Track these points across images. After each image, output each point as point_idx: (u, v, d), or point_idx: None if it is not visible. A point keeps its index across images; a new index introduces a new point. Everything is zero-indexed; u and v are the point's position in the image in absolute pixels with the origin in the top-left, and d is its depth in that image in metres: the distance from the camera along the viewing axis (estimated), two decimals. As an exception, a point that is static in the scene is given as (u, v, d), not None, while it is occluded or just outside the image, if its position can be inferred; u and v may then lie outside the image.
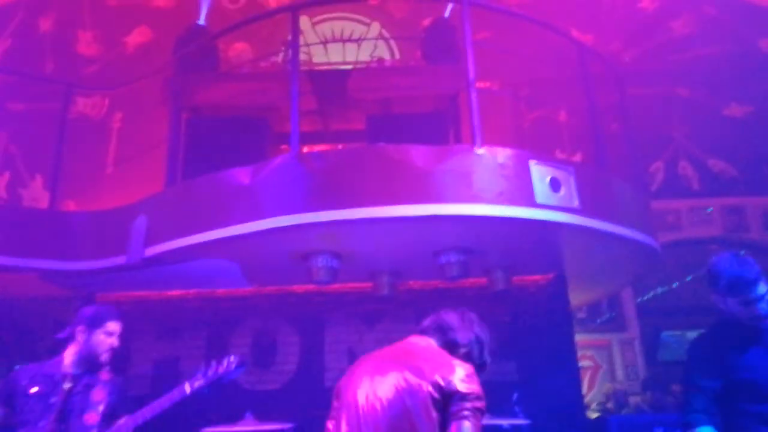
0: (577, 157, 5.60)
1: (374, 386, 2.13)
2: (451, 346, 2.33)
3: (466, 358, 2.31)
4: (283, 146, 5.04)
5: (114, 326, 3.01)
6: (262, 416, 3.70)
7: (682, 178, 8.40)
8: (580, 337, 6.87)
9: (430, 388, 2.06)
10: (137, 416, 2.89)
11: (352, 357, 5.51)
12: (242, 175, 4.13)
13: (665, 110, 8.46)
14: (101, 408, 2.89)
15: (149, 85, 5.82)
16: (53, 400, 2.85)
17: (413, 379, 2.09)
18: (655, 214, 5.64)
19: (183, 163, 4.97)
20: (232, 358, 2.95)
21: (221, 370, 2.90)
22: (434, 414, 2.02)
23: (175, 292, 5.56)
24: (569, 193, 4.18)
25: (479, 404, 2.08)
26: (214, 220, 4.07)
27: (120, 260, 4.45)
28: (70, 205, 6.21)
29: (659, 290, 9.44)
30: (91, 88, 7.80)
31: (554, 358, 5.33)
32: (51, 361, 3.01)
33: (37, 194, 6.53)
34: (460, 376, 2.10)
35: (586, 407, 6.77)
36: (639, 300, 9.19)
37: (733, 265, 2.68)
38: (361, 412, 2.11)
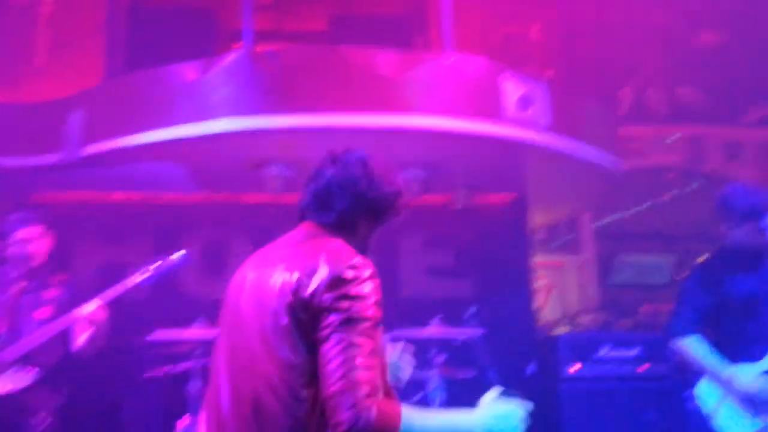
0: (549, 74, 5.39)
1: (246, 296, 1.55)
2: (324, 222, 1.61)
3: (342, 229, 1.60)
4: (234, 45, 4.65)
5: (24, 234, 2.97)
6: (214, 323, 3.59)
7: (650, 104, 8.32)
8: (536, 258, 6.92)
9: (282, 300, 1.42)
10: (89, 305, 2.84)
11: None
12: (189, 70, 3.81)
13: (637, 36, 8.25)
14: (52, 306, 2.96)
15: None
16: (3, 298, 2.96)
17: (268, 288, 1.48)
18: (619, 140, 5.56)
19: (123, 55, 4.56)
20: (181, 252, 2.93)
21: (168, 262, 2.88)
22: (291, 338, 1.40)
23: (119, 195, 5.27)
24: (539, 110, 4.00)
25: (357, 310, 1.37)
26: (158, 119, 3.79)
27: (55, 158, 4.13)
28: (-2, 99, 5.72)
29: (616, 215, 9.59)
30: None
31: (510, 278, 5.38)
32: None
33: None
34: (323, 276, 1.40)
35: (538, 325, 6.94)
36: (596, 224, 9.33)
37: (747, 194, 2.79)
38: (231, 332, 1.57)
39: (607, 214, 9.51)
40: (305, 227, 1.66)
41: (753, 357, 2.65)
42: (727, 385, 2.64)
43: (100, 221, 5.27)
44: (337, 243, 1.54)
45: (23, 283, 3.01)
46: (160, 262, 2.87)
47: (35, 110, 4.50)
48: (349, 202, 1.59)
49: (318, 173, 1.65)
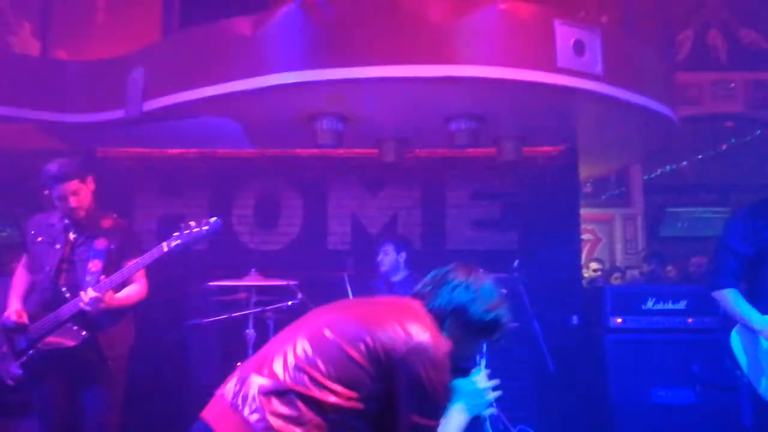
0: (603, 20, 5.20)
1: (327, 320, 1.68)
2: (428, 307, 1.75)
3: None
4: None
5: (64, 189, 2.88)
6: (267, 274, 3.74)
7: (711, 48, 7.93)
8: (584, 211, 6.86)
9: (358, 345, 1.55)
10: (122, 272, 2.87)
11: (355, 222, 5.53)
12: (243, 25, 3.84)
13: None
14: (103, 256, 2.93)
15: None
16: (57, 247, 2.95)
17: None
18: (676, 87, 5.38)
19: (179, 11, 4.62)
20: (212, 219, 2.86)
21: (197, 230, 2.82)
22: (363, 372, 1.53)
23: (177, 150, 5.44)
24: (593, 57, 3.90)
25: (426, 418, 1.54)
26: (214, 75, 3.85)
27: (118, 114, 4.29)
28: (62, 55, 5.91)
29: (667, 168, 9.33)
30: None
31: (557, 231, 5.35)
32: (55, 211, 3.03)
33: (26, 43, 6.17)
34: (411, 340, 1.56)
35: (585, 277, 6.93)
36: (646, 177, 9.11)
37: None
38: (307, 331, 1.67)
39: (659, 166, 9.27)
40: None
41: None
42: (759, 335, 2.66)
43: (159, 175, 5.48)
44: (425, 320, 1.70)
45: (73, 236, 2.98)
46: (188, 230, 2.81)
47: (97, 67, 4.62)
48: (453, 321, 1.73)
49: (443, 279, 1.79)
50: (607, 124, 4.68)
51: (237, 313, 3.71)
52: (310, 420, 1.50)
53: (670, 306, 4.21)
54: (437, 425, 1.59)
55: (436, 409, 1.59)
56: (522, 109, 4.26)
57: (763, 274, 2.73)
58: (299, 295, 3.76)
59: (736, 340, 2.77)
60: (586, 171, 6.07)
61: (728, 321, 3.26)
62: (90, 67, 4.69)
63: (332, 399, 1.51)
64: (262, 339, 3.66)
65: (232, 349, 3.91)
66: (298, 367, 1.55)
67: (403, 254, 4.14)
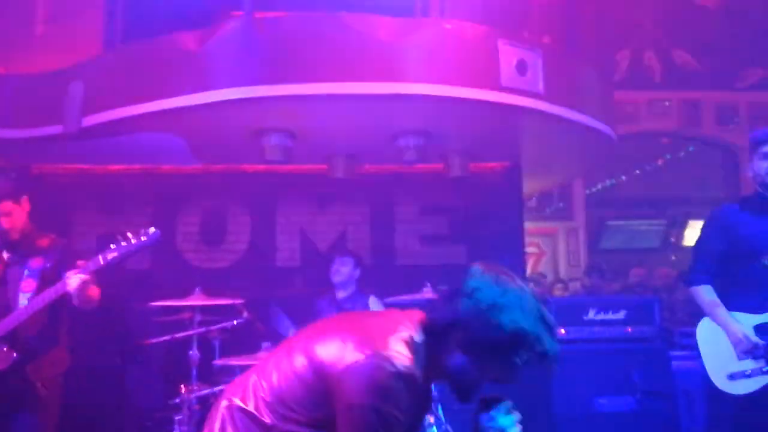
0: (546, 40, 5.39)
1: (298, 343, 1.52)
2: (429, 318, 1.51)
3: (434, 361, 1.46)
4: (234, 12, 4.62)
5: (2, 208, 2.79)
6: (212, 293, 3.66)
7: (646, 68, 8.31)
8: (529, 225, 7.04)
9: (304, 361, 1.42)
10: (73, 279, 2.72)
11: (304, 238, 5.49)
12: (188, 40, 3.79)
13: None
14: (38, 275, 2.83)
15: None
16: None
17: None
18: (615, 105, 5.61)
19: (122, 25, 4.52)
20: (151, 230, 2.74)
21: (135, 242, 2.72)
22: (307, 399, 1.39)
23: (118, 167, 5.29)
24: (535, 76, 4.04)
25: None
26: (158, 90, 3.78)
27: (55, 129, 4.13)
28: (-2, 69, 5.67)
29: (608, 182, 9.70)
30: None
31: (503, 244, 5.47)
32: None
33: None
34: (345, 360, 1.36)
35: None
36: (588, 191, 9.43)
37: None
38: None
39: (599, 181, 9.62)
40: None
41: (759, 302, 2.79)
42: (724, 332, 2.80)
43: (99, 192, 5.30)
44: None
45: (6, 255, 2.87)
46: (126, 243, 2.70)
47: (35, 81, 4.45)
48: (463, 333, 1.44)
49: (462, 283, 1.47)
50: (549, 140, 4.84)
51: (180, 334, 3.61)
52: None
53: (610, 316, 4.35)
54: None
55: None
56: (468, 126, 4.35)
57: (735, 271, 2.88)
58: (245, 314, 3.69)
59: (701, 331, 2.92)
60: (530, 186, 6.24)
61: (666, 331, 3.40)
62: (27, 80, 4.51)
63: (282, 425, 1.41)
64: (206, 360, 3.59)
65: (176, 371, 3.80)
66: (257, 390, 1.47)
67: (358, 271, 4.17)
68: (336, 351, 1.39)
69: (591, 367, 4.21)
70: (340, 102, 3.75)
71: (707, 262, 2.93)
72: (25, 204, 2.90)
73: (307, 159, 4.98)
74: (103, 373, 4.55)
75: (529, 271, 7.67)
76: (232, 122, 4.09)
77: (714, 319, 2.86)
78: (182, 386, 3.37)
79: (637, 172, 9.37)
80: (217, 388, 3.40)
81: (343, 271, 4.12)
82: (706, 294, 2.90)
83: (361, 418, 1.33)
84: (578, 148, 5.10)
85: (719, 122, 8.13)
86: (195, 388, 3.37)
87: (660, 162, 9.28)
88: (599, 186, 9.60)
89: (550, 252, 9.06)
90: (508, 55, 3.92)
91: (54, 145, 4.44)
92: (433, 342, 1.45)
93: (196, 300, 3.53)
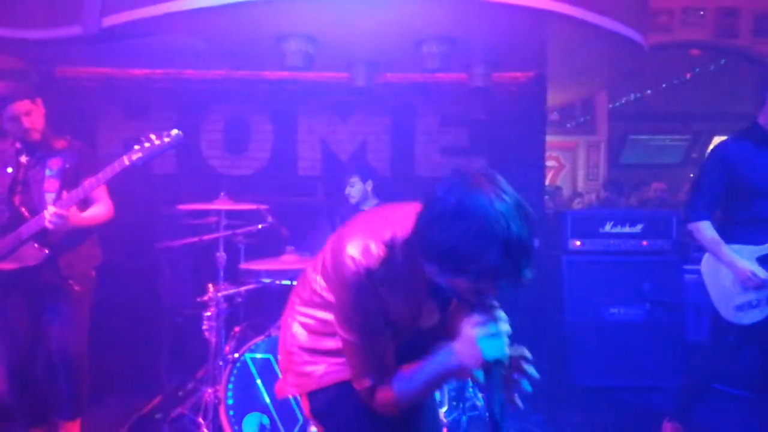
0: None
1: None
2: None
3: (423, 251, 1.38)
4: None
5: (16, 108, 2.80)
6: (236, 198, 3.74)
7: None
8: (550, 139, 6.97)
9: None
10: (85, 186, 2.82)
11: (325, 148, 5.52)
12: (207, -63, 3.64)
13: None
14: (59, 175, 2.89)
15: None
16: (9, 171, 2.89)
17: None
18: (648, 13, 5.37)
19: None
20: (174, 131, 2.78)
21: (158, 143, 2.76)
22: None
23: (142, 71, 5.27)
24: (566, -20, 3.85)
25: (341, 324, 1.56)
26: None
27: (75, 30, 4.09)
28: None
29: (632, 96, 9.45)
30: None
31: (523, 157, 5.45)
32: (6, 138, 2.96)
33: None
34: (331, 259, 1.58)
35: (548, 202, 7.12)
36: (611, 105, 9.22)
37: None
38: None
39: (624, 95, 9.36)
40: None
41: (762, 235, 2.85)
42: (730, 270, 2.88)
43: (124, 97, 5.32)
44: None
45: (25, 159, 2.91)
46: (149, 144, 2.74)
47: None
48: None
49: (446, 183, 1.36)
50: (576, 49, 4.69)
51: (207, 236, 3.72)
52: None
53: (627, 229, 4.40)
54: (360, 340, 1.53)
55: (350, 324, 1.51)
56: (493, 33, 4.23)
57: (734, 205, 2.93)
58: (269, 219, 3.77)
59: (705, 266, 3.01)
60: (553, 98, 6.12)
61: (683, 245, 3.46)
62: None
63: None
64: (232, 262, 3.73)
65: (204, 272, 3.96)
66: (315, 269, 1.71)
67: (370, 182, 4.11)
68: (331, 248, 1.59)
69: (605, 278, 4.32)
70: (358, 6, 3.64)
71: (706, 197, 2.95)
72: (41, 106, 2.92)
73: (328, 66, 4.91)
74: (134, 271, 4.71)
75: (547, 184, 7.68)
76: (253, 25, 4.01)
77: (718, 257, 2.92)
78: (210, 285, 3.51)
79: (664, 86, 9.09)
80: (243, 288, 3.56)
81: (353, 192, 4.10)
82: (706, 230, 2.94)
83: (341, 313, 1.55)
84: (605, 56, 4.94)
85: (756, 33, 7.71)
86: (222, 287, 3.51)
87: (688, 76, 8.97)
88: (623, 100, 9.36)
89: (570, 166, 9.01)
90: (538, -44, 3.73)
91: (75, 47, 4.41)
92: (410, 246, 1.44)
93: (222, 204, 3.61)
